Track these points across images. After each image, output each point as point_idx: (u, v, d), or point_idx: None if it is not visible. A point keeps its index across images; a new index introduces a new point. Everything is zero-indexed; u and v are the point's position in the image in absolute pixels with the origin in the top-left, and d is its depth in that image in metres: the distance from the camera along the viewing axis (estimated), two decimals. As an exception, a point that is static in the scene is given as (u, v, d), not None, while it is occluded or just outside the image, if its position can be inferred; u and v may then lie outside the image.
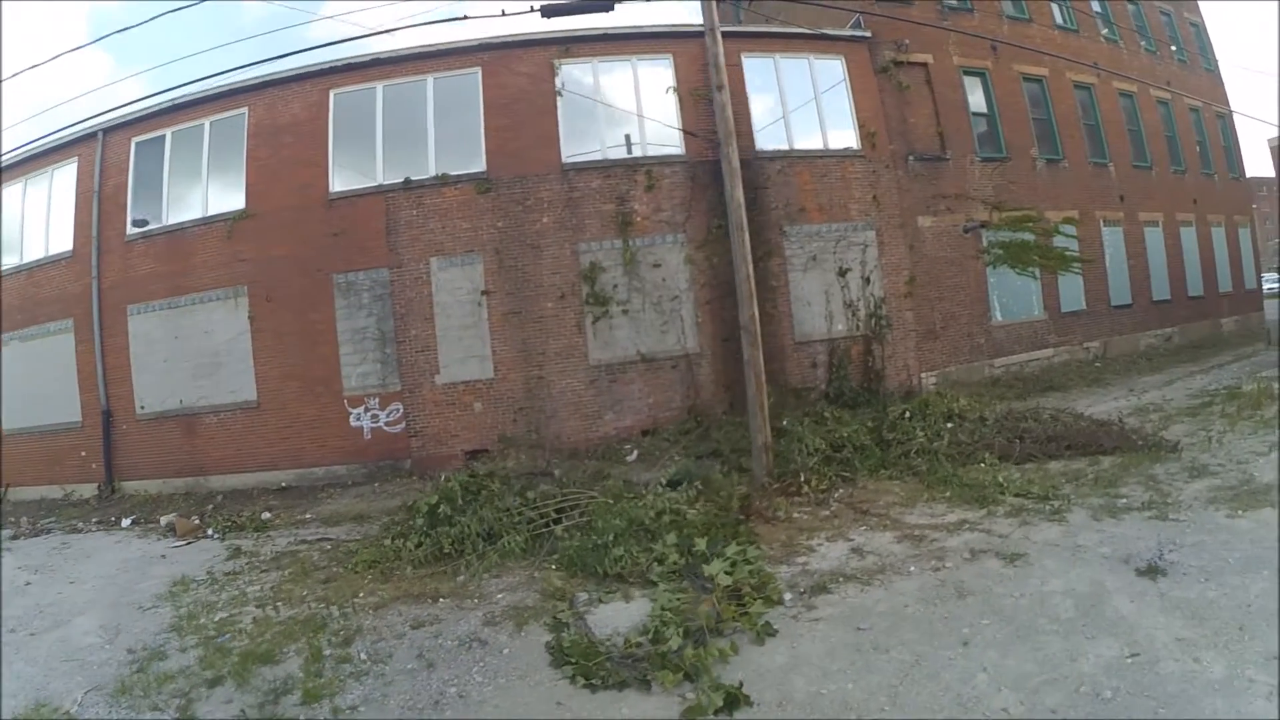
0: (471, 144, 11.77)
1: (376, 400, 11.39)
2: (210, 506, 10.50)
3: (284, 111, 12.05)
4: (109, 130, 12.48)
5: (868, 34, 13.58)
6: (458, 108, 11.96)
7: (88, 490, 11.82)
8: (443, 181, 11.63)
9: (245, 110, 12.15)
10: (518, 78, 11.96)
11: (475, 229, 11.54)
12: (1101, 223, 16.19)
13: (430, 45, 11.97)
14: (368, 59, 12.02)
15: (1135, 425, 9.16)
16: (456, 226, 11.55)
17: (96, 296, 12.08)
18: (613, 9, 8.57)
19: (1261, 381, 11.02)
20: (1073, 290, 15.34)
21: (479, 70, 11.92)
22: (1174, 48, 19.98)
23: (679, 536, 6.19)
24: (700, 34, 12.44)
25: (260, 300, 11.66)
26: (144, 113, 12.39)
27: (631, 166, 11.95)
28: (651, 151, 12.11)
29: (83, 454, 11.94)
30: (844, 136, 13.06)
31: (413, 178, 11.66)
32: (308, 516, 9.79)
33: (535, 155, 11.75)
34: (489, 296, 11.41)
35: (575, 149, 11.95)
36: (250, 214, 11.83)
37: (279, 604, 6.18)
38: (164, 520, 9.89)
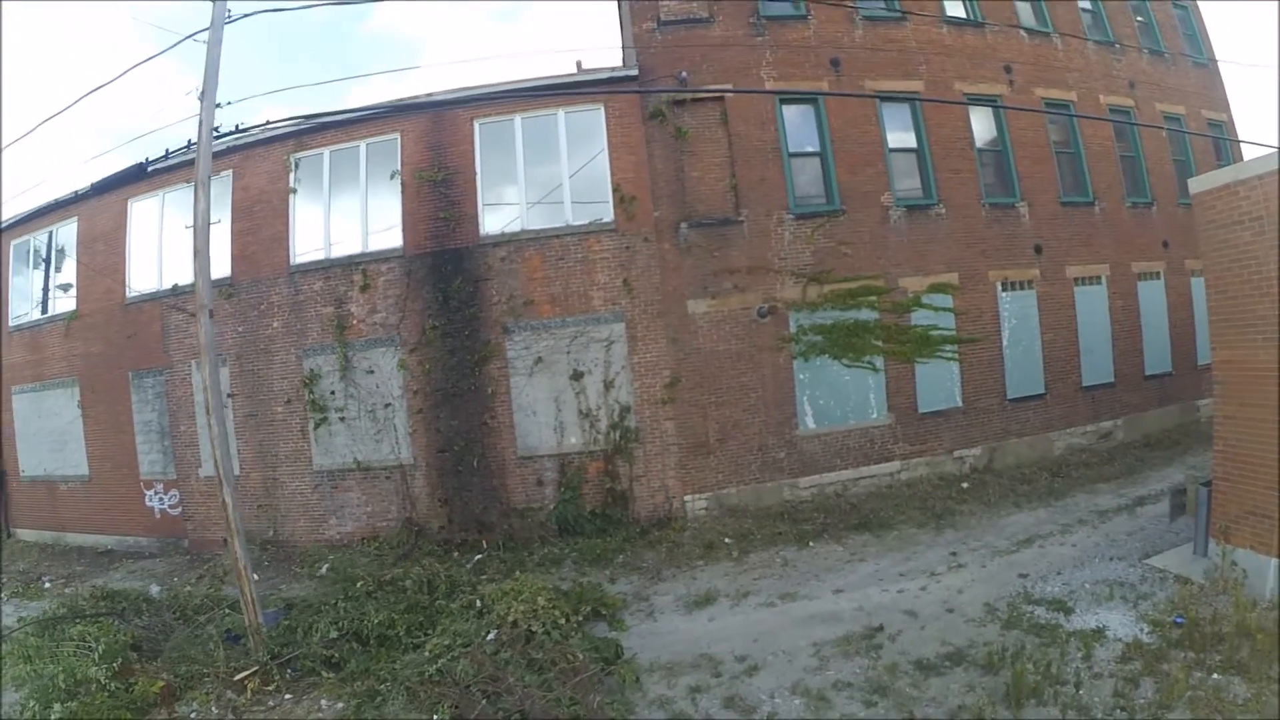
0: (223, 250, 12.33)
1: (161, 485, 12.92)
2: (24, 564, 12.89)
3: (99, 221, 13.48)
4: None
5: (633, 72, 11.60)
6: (215, 214, 12.48)
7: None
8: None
9: (76, 219, 13.79)
10: (259, 178, 12.18)
11: (221, 335, 12.19)
12: (999, 286, 12.49)
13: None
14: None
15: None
16: (209, 331, 12.34)
17: (-6, 378, 14.83)
18: (147, 174, 8.60)
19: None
20: (941, 381, 12.03)
21: (230, 174, 12.29)
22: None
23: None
24: (432, 105, 11.72)
25: (88, 390, 13.56)
26: (19, 217, 14.60)
27: (349, 265, 11.77)
28: (376, 245, 11.80)
29: (-5, 504, 15.05)
30: (595, 207, 11.54)
31: (179, 284, 12.59)
32: (68, 591, 11.66)
33: (269, 258, 12.05)
34: (234, 399, 12.19)
35: (309, 248, 12.03)
36: (79, 314, 13.62)
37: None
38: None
